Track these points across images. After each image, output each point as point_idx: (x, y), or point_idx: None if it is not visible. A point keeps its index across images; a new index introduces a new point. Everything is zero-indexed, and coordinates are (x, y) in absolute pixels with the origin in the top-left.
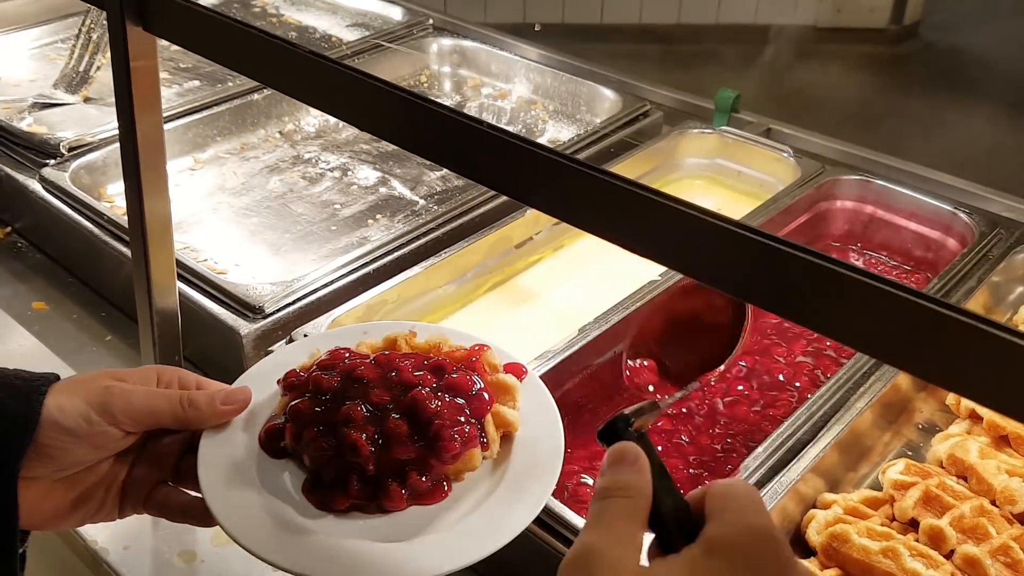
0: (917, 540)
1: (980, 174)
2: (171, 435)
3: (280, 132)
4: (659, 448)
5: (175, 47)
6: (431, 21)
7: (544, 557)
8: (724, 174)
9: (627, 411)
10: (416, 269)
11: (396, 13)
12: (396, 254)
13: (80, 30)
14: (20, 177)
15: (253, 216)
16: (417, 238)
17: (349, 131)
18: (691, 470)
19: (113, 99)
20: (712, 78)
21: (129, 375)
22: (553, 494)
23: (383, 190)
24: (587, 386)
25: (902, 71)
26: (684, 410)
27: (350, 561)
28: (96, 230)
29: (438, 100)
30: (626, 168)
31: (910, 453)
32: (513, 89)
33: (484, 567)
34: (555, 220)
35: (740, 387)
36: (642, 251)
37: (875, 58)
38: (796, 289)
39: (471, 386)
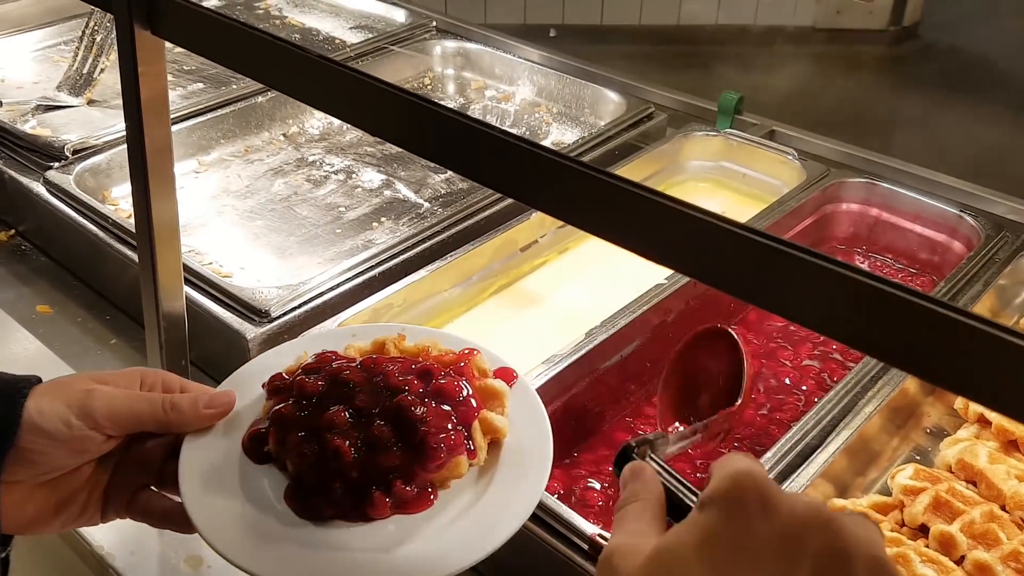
0: (927, 546)
1: (983, 176)
2: (155, 439)
3: (284, 135)
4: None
5: (178, 49)
6: (434, 23)
7: (552, 561)
8: (729, 176)
9: (633, 441)
10: (422, 272)
11: (399, 15)
12: (401, 257)
13: (84, 32)
14: (24, 180)
15: (258, 219)
16: (422, 241)
17: (353, 133)
18: (699, 474)
19: (117, 101)
20: (713, 79)
21: (112, 378)
22: (560, 498)
23: (388, 193)
24: (594, 390)
25: (903, 72)
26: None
27: (330, 571)
28: (101, 233)
29: (442, 102)
30: (631, 171)
31: (918, 458)
32: (517, 91)
33: (488, 569)
34: (560, 223)
35: None
36: (647, 254)
37: (875, 59)
38: (801, 292)
39: (458, 391)
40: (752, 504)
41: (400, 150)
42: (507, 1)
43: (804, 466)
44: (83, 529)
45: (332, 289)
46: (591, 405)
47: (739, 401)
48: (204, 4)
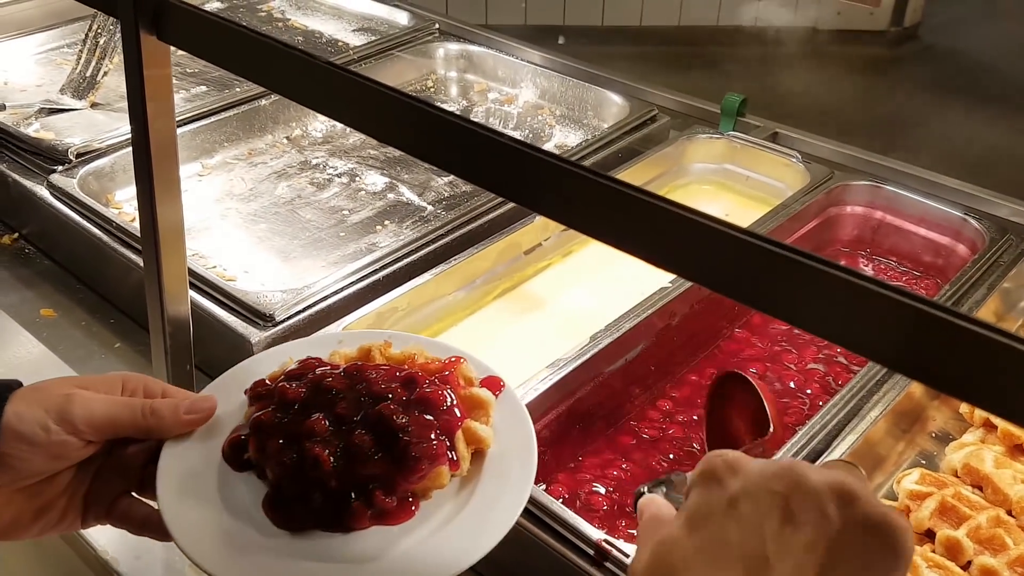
0: (933, 551)
1: (986, 178)
2: (136, 444)
3: (287, 137)
4: (671, 456)
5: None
6: (437, 26)
7: (557, 566)
8: (732, 179)
9: (644, 485)
10: (426, 276)
11: (402, 18)
12: (405, 261)
13: (87, 35)
14: (28, 183)
15: (261, 222)
16: (426, 244)
17: (356, 136)
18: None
19: (120, 104)
20: (714, 81)
21: (93, 383)
22: (565, 503)
23: (391, 196)
24: (598, 394)
25: (904, 74)
26: (695, 417)
27: None
28: (104, 236)
29: (444, 105)
30: (634, 174)
31: (924, 462)
32: (520, 94)
33: (493, 574)
34: (563, 226)
35: None
36: (650, 259)
37: (876, 61)
38: (804, 297)
39: (442, 400)
40: (721, 471)
41: (403, 153)
42: (508, 2)
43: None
44: (88, 533)
45: (336, 293)
46: (596, 409)
47: (770, 430)
48: (206, 7)
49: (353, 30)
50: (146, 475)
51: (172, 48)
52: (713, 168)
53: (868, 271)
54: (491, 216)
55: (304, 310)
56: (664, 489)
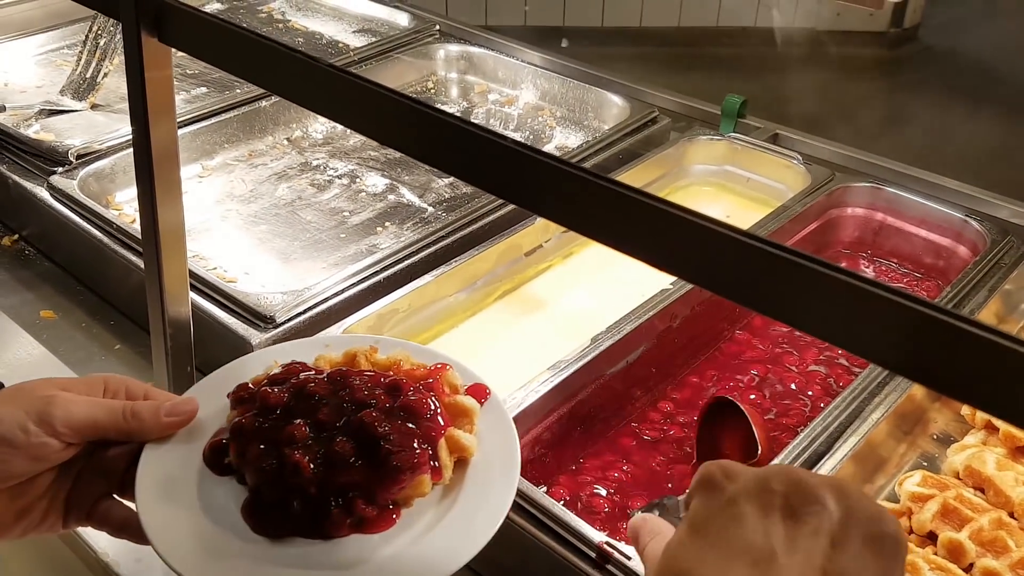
0: (936, 553)
1: (987, 179)
2: (118, 447)
3: (288, 139)
4: (671, 456)
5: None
6: (437, 27)
7: (559, 569)
8: (733, 181)
9: (638, 509)
10: (427, 278)
11: (403, 19)
12: (406, 262)
13: (87, 36)
14: (28, 184)
15: (262, 224)
16: (427, 246)
17: (357, 138)
18: None
19: (121, 105)
20: (714, 82)
21: (75, 384)
22: (566, 505)
23: (392, 197)
24: (599, 396)
25: (904, 75)
26: (696, 418)
27: None
28: (105, 238)
29: (445, 107)
30: (635, 175)
31: (925, 464)
32: (520, 95)
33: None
34: (564, 228)
35: (752, 396)
36: (651, 260)
37: (876, 62)
38: (805, 300)
39: (425, 408)
40: (717, 476)
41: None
42: (508, 3)
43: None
44: (88, 536)
45: (337, 295)
46: (597, 411)
47: (759, 452)
48: (206, 8)
49: (353, 31)
50: (128, 477)
51: (173, 50)
52: (714, 170)
53: (869, 273)
54: (492, 218)
55: (305, 312)
56: (657, 513)
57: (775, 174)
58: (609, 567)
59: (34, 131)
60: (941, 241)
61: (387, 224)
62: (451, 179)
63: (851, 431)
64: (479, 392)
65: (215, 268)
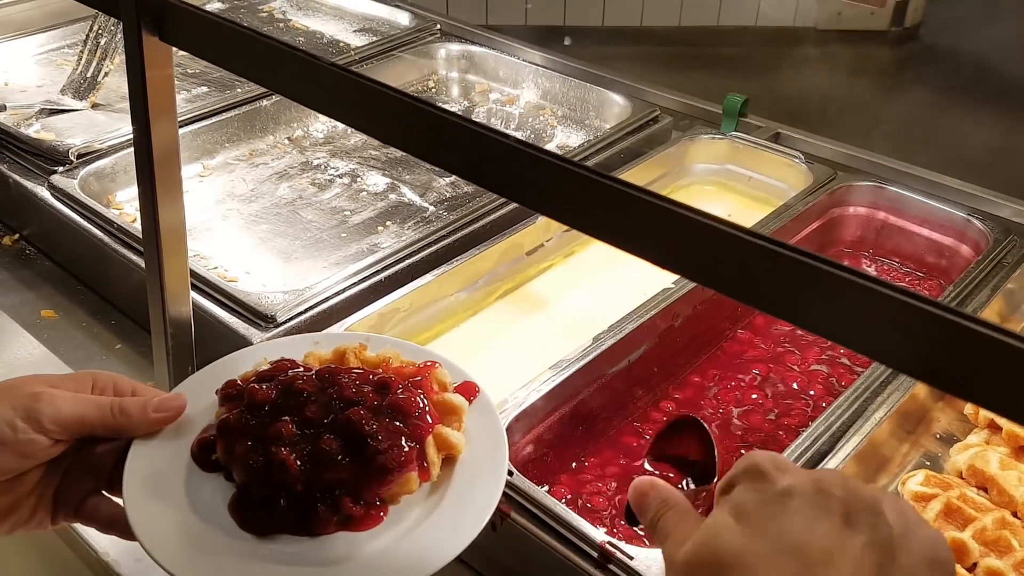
0: None
1: (988, 178)
2: (106, 443)
3: (289, 138)
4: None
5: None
6: (438, 26)
7: (561, 569)
8: (735, 180)
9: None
10: (428, 277)
11: (403, 18)
12: (407, 262)
13: (88, 35)
14: (28, 184)
15: (263, 223)
16: (428, 245)
17: (357, 137)
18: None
19: (121, 105)
20: (714, 81)
21: (63, 381)
22: (566, 503)
23: (392, 196)
24: (601, 395)
25: (905, 74)
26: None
27: None
28: (105, 237)
29: (446, 106)
30: (636, 174)
31: (928, 463)
32: (521, 94)
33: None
34: (566, 226)
35: (754, 395)
36: (653, 259)
37: (877, 61)
38: (807, 298)
39: (414, 406)
40: (768, 467)
41: (405, 153)
42: (508, 3)
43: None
44: (89, 536)
45: (338, 294)
46: (599, 410)
47: (715, 480)
48: (207, 7)
49: (354, 31)
50: (116, 474)
51: (174, 49)
52: (715, 169)
53: (871, 272)
54: (493, 217)
55: (306, 311)
56: None
57: (777, 173)
58: (611, 567)
59: (35, 130)
60: (943, 240)
61: (388, 223)
62: (452, 178)
63: (854, 430)
64: (468, 390)
65: (216, 267)
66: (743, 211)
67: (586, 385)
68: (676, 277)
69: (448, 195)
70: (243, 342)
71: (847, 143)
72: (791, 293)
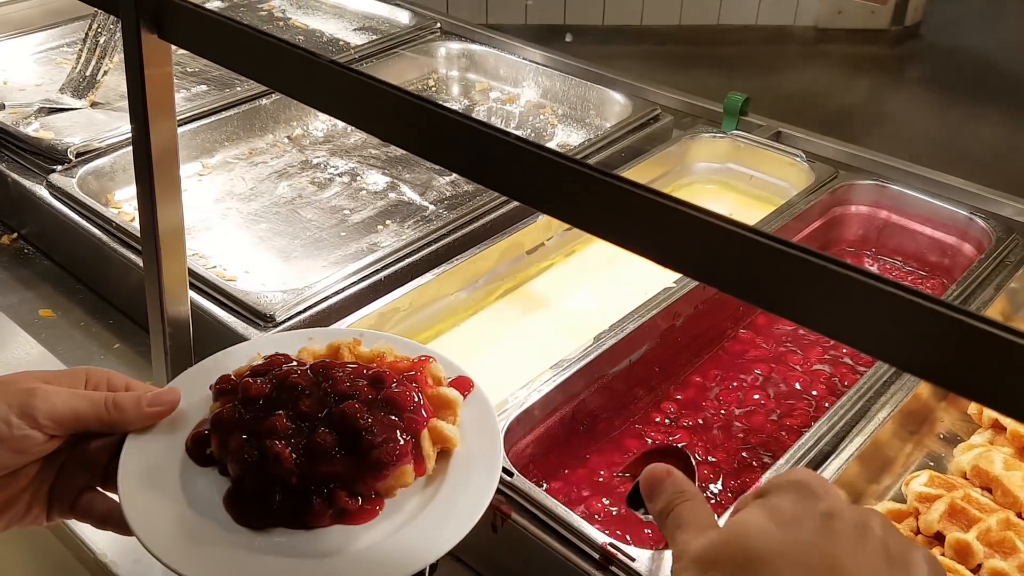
0: (943, 554)
1: (990, 177)
2: (100, 439)
3: (288, 137)
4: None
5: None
6: (438, 25)
7: (563, 571)
8: (736, 179)
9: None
10: (428, 276)
11: (403, 17)
12: (407, 261)
13: (87, 34)
14: (27, 183)
15: (262, 222)
16: (428, 244)
17: (357, 136)
18: (711, 485)
19: (120, 103)
20: (715, 80)
21: (57, 377)
22: (567, 504)
23: (392, 195)
24: (602, 395)
25: (906, 72)
26: (700, 421)
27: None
28: (104, 236)
29: (446, 104)
30: (637, 173)
31: (932, 464)
32: (522, 93)
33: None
34: (566, 225)
35: (756, 396)
36: (655, 258)
37: (878, 59)
38: (810, 296)
39: (408, 399)
40: (815, 484)
41: (404, 152)
42: (509, 1)
43: (818, 473)
44: (86, 536)
45: (337, 293)
46: (600, 411)
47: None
48: (206, 5)
49: (354, 29)
50: (110, 469)
51: (173, 47)
52: (716, 167)
53: (874, 271)
54: (493, 216)
55: (305, 310)
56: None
57: (778, 172)
58: (613, 568)
59: (33, 129)
60: (946, 239)
61: (388, 222)
62: (452, 177)
63: (857, 431)
64: (463, 384)
65: (215, 267)
66: (744, 210)
67: (587, 385)
68: (677, 276)
69: (448, 194)
70: (242, 341)
71: (848, 142)
72: (794, 291)
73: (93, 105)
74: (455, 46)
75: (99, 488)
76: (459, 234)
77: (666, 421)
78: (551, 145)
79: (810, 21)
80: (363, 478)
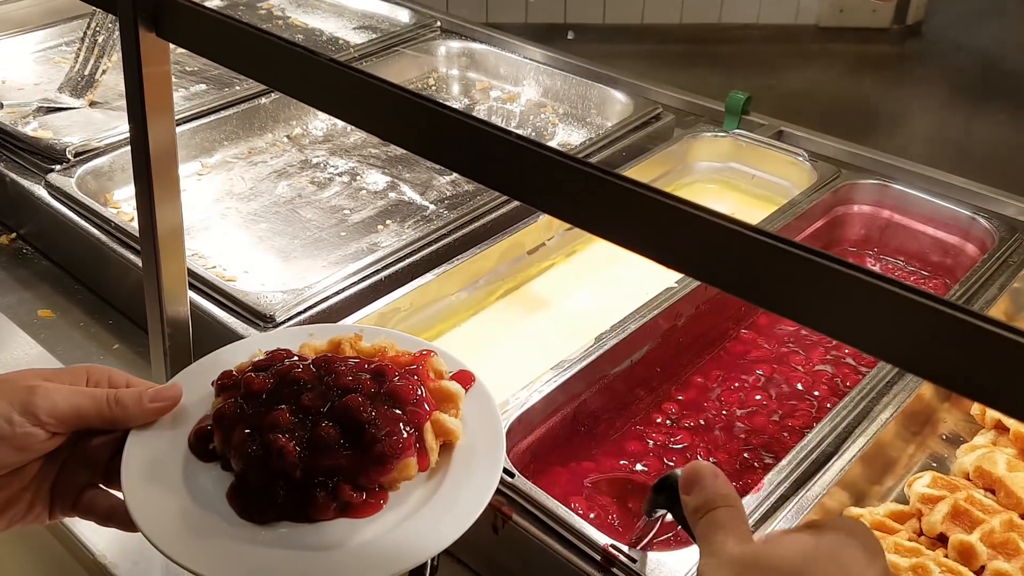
0: (946, 556)
1: (992, 176)
2: (102, 436)
3: (288, 136)
4: (673, 460)
5: (180, 50)
6: (439, 23)
7: (563, 572)
8: (738, 178)
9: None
10: (428, 276)
11: (403, 15)
12: (407, 261)
13: (85, 33)
14: (25, 182)
15: (262, 222)
16: (428, 244)
17: (357, 135)
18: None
19: (119, 103)
20: (716, 79)
21: (57, 374)
22: (567, 503)
23: (392, 195)
24: (603, 396)
25: (908, 71)
26: (702, 421)
27: (271, 569)
28: (103, 236)
29: (447, 103)
30: (638, 172)
31: (935, 465)
32: (522, 92)
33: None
34: (567, 225)
35: (758, 396)
36: (657, 257)
37: (879, 58)
38: (813, 296)
39: (411, 393)
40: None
41: (404, 151)
42: (508, 0)
43: (820, 474)
44: (86, 538)
45: (337, 293)
46: (601, 412)
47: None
48: (205, 4)
49: (354, 28)
50: (112, 466)
51: (171, 46)
52: (718, 167)
53: (876, 271)
54: (494, 216)
55: (305, 311)
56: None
57: (780, 171)
58: (614, 570)
59: (32, 129)
60: (948, 239)
61: (388, 222)
62: (452, 176)
63: (859, 431)
64: (464, 378)
65: (214, 267)
66: (746, 209)
67: (588, 386)
68: (679, 276)
69: (448, 193)
70: None
71: (852, 141)
72: (796, 291)
73: (92, 104)
74: (455, 45)
75: (101, 485)
76: (460, 234)
77: (667, 422)
78: (552, 144)
79: (811, 20)
80: (367, 471)
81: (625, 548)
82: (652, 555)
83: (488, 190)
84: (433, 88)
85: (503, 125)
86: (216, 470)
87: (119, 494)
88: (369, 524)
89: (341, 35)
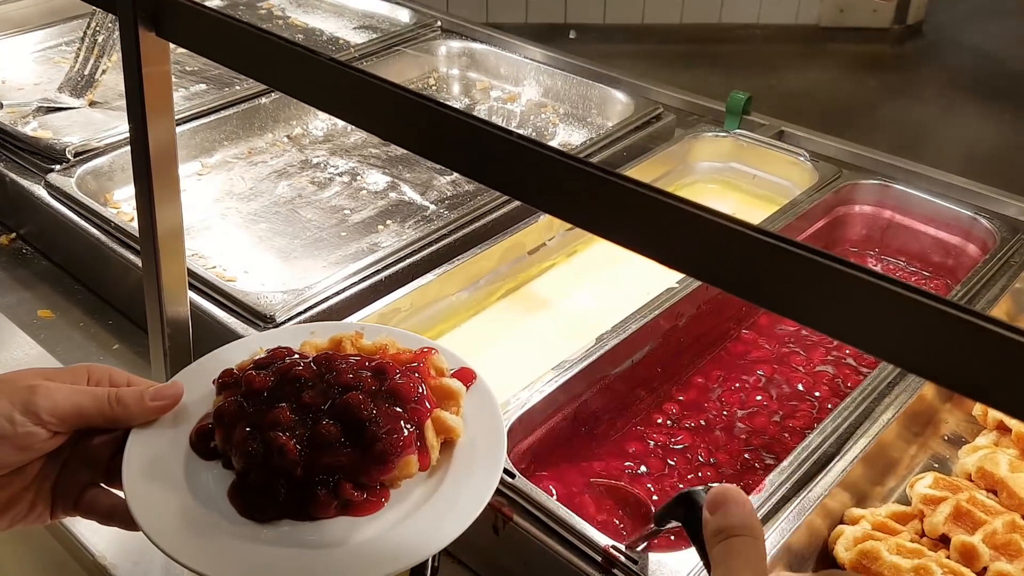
0: (948, 557)
1: (994, 176)
2: (103, 435)
3: (288, 136)
4: (674, 461)
5: (180, 49)
6: (439, 23)
7: (564, 573)
8: (739, 178)
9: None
10: (429, 276)
11: (404, 15)
12: (408, 261)
13: (85, 33)
14: (25, 182)
15: (262, 222)
16: (429, 244)
17: (357, 135)
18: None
19: (119, 103)
20: (717, 79)
21: (58, 374)
22: (568, 506)
23: (393, 195)
24: (604, 396)
25: (908, 71)
26: (703, 422)
27: (272, 567)
28: (103, 236)
29: (447, 103)
30: (639, 172)
31: (937, 466)
32: (523, 92)
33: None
34: (568, 225)
35: (759, 397)
36: (658, 257)
37: (880, 58)
38: (815, 296)
39: (412, 390)
40: None
41: (405, 151)
42: (509, 0)
43: (822, 475)
44: (86, 539)
45: (338, 293)
46: (601, 412)
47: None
48: (205, 3)
49: (354, 28)
50: (113, 465)
51: (171, 45)
52: (719, 167)
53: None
54: (494, 216)
55: (305, 311)
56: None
57: (781, 171)
58: (615, 571)
59: (32, 128)
60: (950, 239)
61: (388, 222)
62: (453, 176)
63: (861, 432)
64: (466, 376)
65: (214, 267)
66: (747, 209)
67: (589, 386)
68: (680, 276)
69: (449, 193)
70: None
71: (853, 141)
72: (797, 291)
73: (91, 104)
74: (456, 44)
75: (103, 484)
76: (460, 234)
77: (668, 422)
78: (553, 144)
79: (812, 19)
80: (368, 469)
81: (625, 549)
82: (653, 556)
83: (489, 190)
84: (433, 88)
85: (504, 125)
86: (217, 468)
87: (120, 493)
88: (370, 522)
89: (341, 35)
